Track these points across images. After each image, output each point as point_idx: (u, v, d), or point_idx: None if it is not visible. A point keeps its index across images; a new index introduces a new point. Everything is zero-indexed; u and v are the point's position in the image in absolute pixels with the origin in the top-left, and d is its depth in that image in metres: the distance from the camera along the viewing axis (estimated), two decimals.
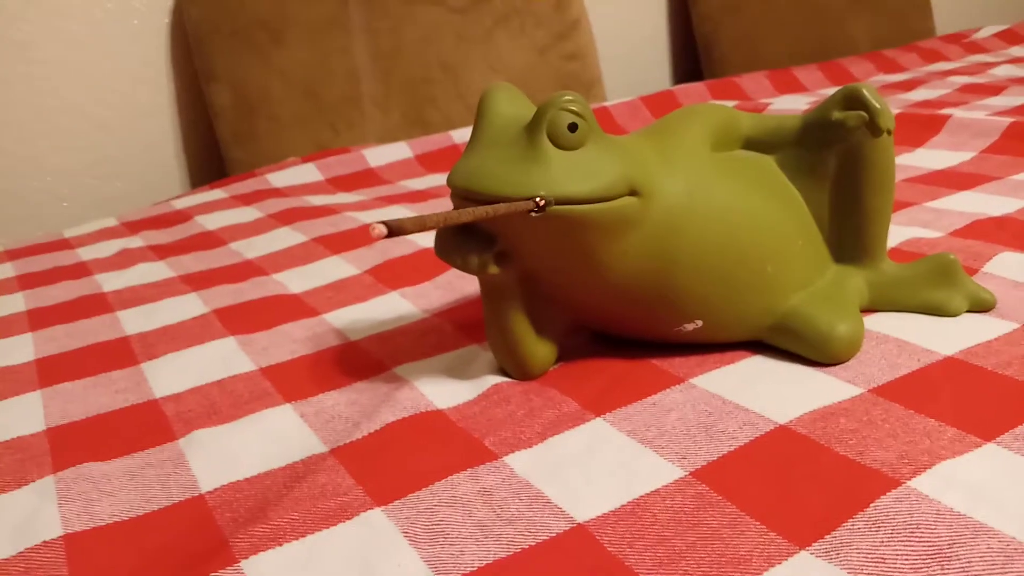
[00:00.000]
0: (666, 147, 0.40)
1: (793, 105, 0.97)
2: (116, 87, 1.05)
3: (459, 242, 0.37)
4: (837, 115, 0.41)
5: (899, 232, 0.55)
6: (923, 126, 0.80)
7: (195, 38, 1.03)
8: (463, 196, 0.36)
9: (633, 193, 0.36)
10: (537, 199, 0.34)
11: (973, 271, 0.47)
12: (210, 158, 1.13)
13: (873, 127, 0.40)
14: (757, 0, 1.41)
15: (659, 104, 1.10)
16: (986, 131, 0.75)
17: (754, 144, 0.44)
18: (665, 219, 0.38)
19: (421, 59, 1.14)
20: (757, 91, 1.16)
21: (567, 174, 0.35)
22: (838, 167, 0.42)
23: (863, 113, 0.40)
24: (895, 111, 0.85)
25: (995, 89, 1.01)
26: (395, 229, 0.27)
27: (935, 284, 0.43)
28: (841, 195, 0.42)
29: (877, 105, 0.40)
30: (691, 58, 1.51)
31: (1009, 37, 1.50)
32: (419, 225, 0.29)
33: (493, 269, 0.37)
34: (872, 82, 1.20)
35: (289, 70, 1.06)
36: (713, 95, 1.13)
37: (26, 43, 0.99)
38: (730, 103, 1.03)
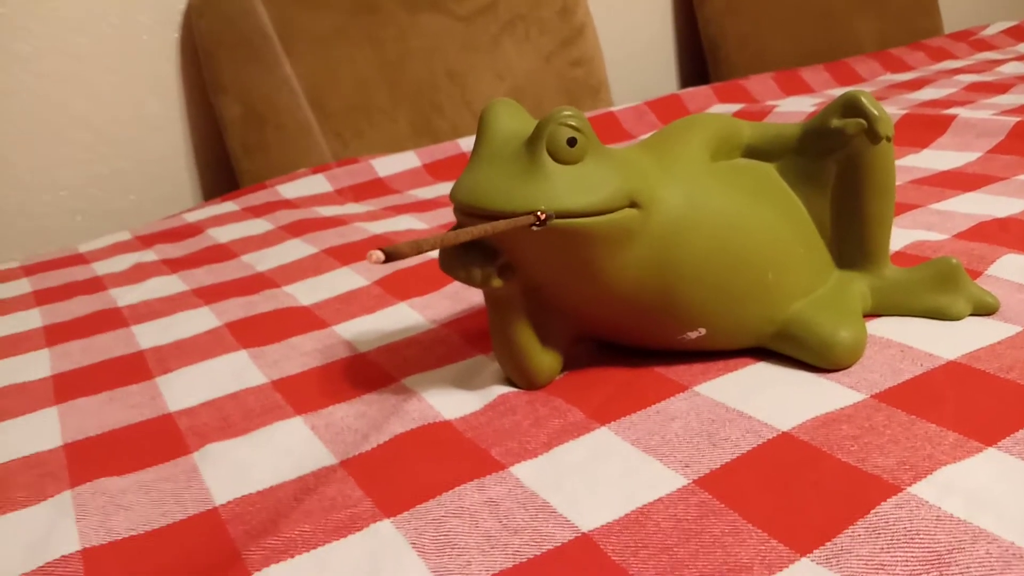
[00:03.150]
0: (666, 158, 0.41)
1: (799, 107, 0.97)
2: (126, 101, 1.06)
3: (462, 256, 0.38)
4: (836, 123, 0.41)
5: (904, 235, 0.55)
6: (929, 127, 0.80)
7: (203, 50, 1.05)
8: (465, 211, 0.37)
9: (633, 205, 0.37)
10: (538, 213, 0.35)
11: (977, 274, 0.48)
12: (221, 170, 1.14)
13: (872, 134, 0.41)
14: (762, 1, 1.41)
15: (665, 108, 1.10)
16: (992, 131, 0.75)
17: (754, 152, 0.45)
18: (666, 230, 0.38)
19: (427, 67, 1.15)
20: (763, 93, 1.17)
21: (567, 188, 0.36)
22: (838, 174, 0.42)
23: (862, 120, 0.40)
24: (901, 111, 0.85)
25: (1002, 87, 1.01)
26: (392, 255, 0.28)
27: (938, 288, 0.43)
28: (842, 202, 0.43)
29: (875, 112, 0.40)
30: (697, 61, 1.51)
31: (1018, 33, 1.49)
32: (416, 249, 0.29)
33: (496, 282, 0.38)
34: (879, 82, 1.20)
35: (297, 81, 1.07)
36: (719, 98, 1.13)
37: (34, 56, 1.00)
38: (736, 106, 1.03)
